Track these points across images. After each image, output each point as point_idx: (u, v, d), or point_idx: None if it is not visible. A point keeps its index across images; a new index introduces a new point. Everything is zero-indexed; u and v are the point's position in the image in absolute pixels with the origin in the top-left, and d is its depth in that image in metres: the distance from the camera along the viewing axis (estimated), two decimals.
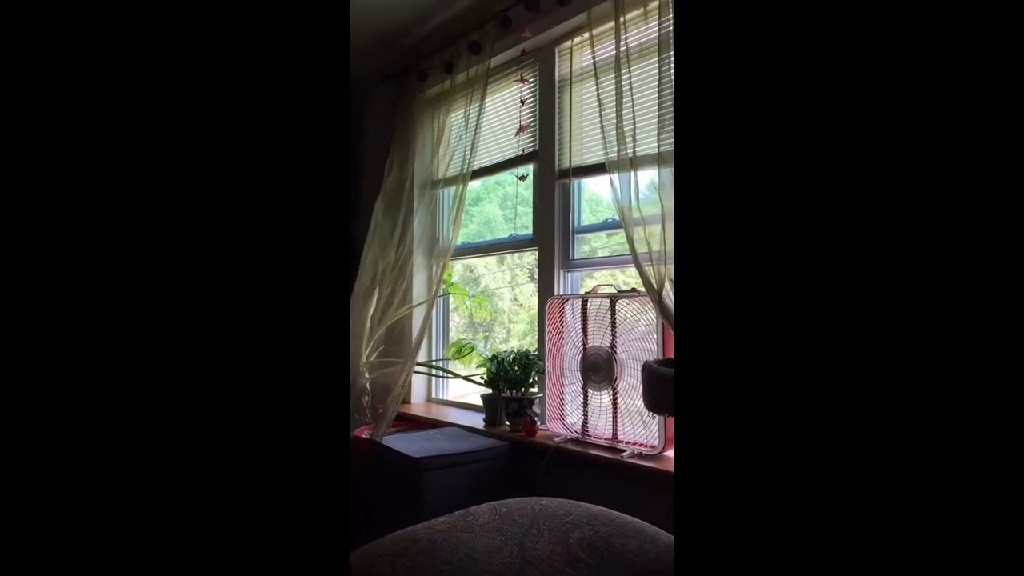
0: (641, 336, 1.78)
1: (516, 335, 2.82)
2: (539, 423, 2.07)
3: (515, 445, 1.99)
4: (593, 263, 2.19)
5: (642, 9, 1.80)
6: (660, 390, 1.28)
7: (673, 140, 1.68)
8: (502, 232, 2.56)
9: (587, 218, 2.24)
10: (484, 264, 2.91)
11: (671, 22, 1.68)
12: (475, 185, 2.67)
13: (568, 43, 2.16)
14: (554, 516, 1.10)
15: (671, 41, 1.68)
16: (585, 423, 1.93)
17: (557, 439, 1.94)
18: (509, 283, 2.90)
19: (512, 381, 2.12)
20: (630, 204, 1.77)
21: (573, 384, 1.97)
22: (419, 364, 2.59)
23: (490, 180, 2.56)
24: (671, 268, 1.65)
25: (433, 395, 2.77)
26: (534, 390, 2.15)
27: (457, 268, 2.93)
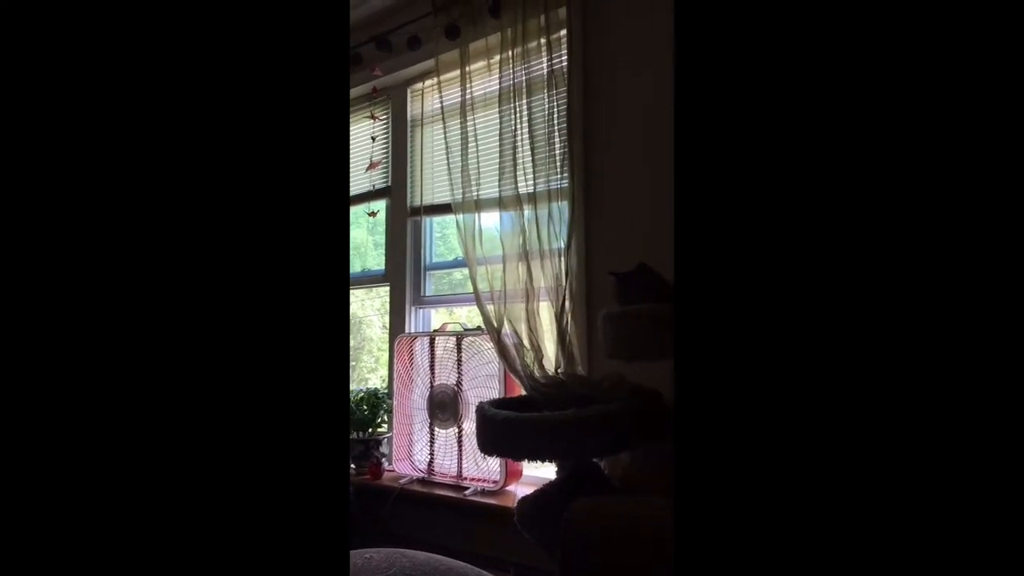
0: (486, 374, 1.82)
1: (384, 363, 2.75)
2: (386, 464, 2.03)
3: (360, 489, 1.93)
4: (443, 300, 2.22)
5: (485, 62, 1.89)
6: (492, 432, 1.31)
7: (513, 185, 1.77)
8: (371, 258, 2.51)
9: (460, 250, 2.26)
10: (351, 292, 2.82)
11: (511, 76, 1.78)
12: None
13: (420, 85, 2.21)
14: (377, 570, 1.08)
15: (511, 94, 1.78)
16: (432, 462, 1.92)
17: (403, 480, 1.91)
18: (378, 311, 2.83)
19: (360, 422, 2.06)
20: (474, 244, 1.82)
21: (421, 422, 1.96)
22: None
23: (360, 205, 2.50)
24: (511, 307, 1.72)
25: None
26: (383, 429, 2.10)
27: None
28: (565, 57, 1.72)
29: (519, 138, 1.77)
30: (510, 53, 1.79)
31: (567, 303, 1.66)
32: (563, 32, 1.72)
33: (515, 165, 1.78)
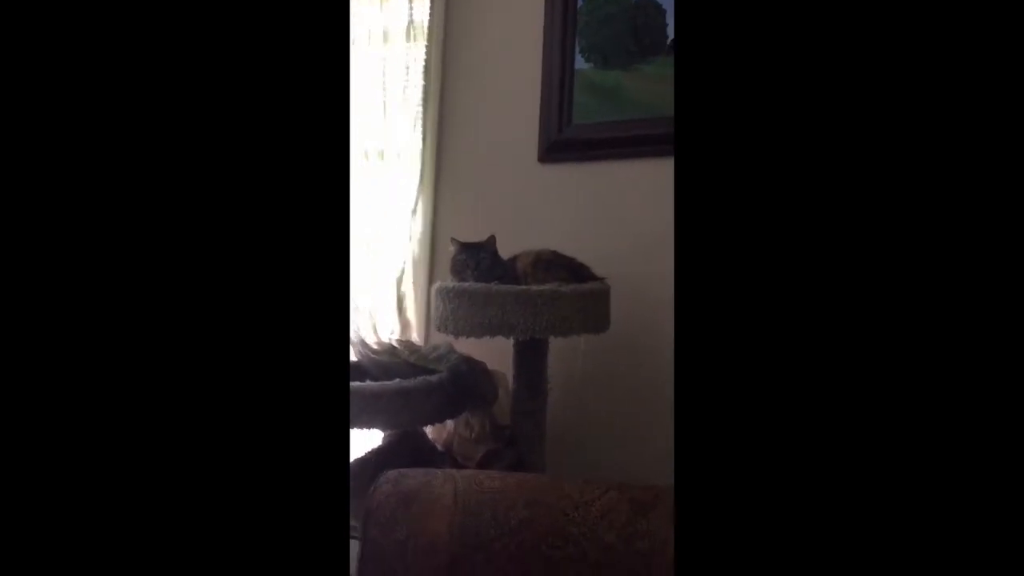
0: None
1: None
2: None
3: None
4: None
5: None
6: None
7: (361, 137, 1.67)
8: None
9: None
10: None
11: (366, 20, 1.66)
12: None
13: None
14: None
15: (367, 39, 1.66)
16: None
17: None
18: None
19: None
20: None
21: None
22: None
23: None
24: None
25: None
26: None
27: None
28: (428, 11, 1.63)
29: (369, 87, 1.67)
30: None
31: (408, 268, 1.63)
32: None
33: (364, 116, 1.68)
